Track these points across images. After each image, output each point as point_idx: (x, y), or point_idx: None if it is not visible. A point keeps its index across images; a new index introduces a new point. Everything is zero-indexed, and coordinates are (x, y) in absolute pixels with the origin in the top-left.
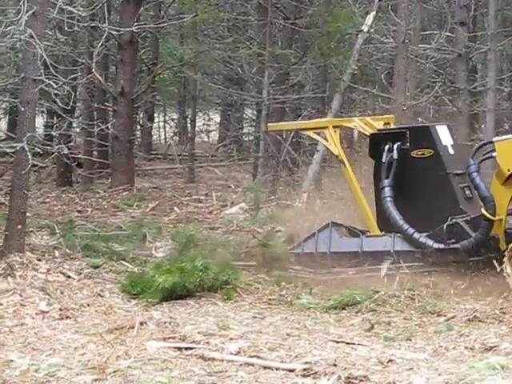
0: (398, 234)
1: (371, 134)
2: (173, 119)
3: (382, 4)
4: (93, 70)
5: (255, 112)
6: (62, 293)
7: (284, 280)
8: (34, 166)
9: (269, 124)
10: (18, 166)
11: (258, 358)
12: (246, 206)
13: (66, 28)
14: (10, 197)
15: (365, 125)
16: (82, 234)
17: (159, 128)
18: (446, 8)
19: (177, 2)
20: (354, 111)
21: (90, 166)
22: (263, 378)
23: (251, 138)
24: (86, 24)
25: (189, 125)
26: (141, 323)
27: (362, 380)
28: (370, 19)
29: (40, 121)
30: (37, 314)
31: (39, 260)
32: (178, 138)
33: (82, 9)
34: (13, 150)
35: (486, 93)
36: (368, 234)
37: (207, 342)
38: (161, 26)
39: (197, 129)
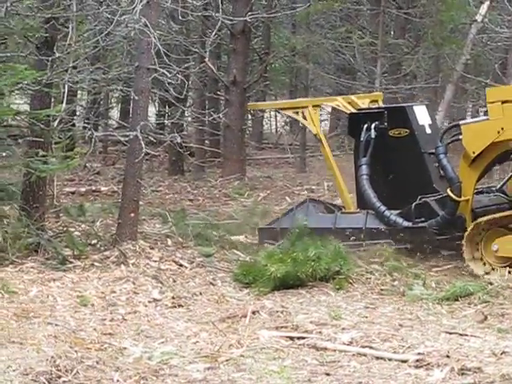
0: (371, 212)
1: (350, 113)
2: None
3: None
4: (205, 59)
5: None
6: (174, 281)
7: (396, 270)
8: (147, 154)
9: (248, 104)
10: (131, 154)
11: (371, 348)
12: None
13: (179, 17)
14: (123, 185)
15: (348, 104)
16: (193, 223)
17: (270, 117)
18: None
19: None
20: (466, 101)
21: (201, 155)
22: (376, 369)
23: None
24: (199, 13)
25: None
26: (253, 312)
27: (475, 372)
28: (483, 9)
29: (152, 110)
30: (149, 302)
31: (152, 248)
32: (288, 127)
33: None
34: (126, 139)
35: None
36: (343, 210)
37: (319, 332)
38: (273, 15)
39: None
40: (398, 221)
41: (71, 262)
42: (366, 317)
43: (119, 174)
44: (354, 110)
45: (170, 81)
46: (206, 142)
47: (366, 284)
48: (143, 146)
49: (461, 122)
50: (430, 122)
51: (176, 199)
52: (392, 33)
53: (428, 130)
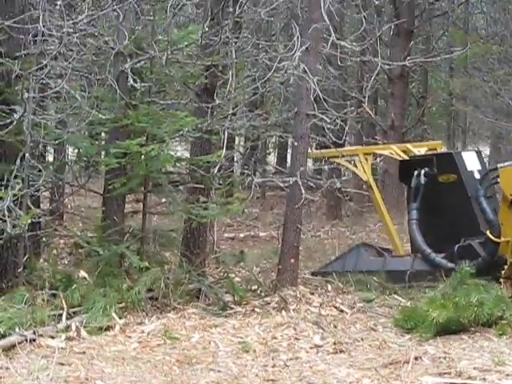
0: (418, 255)
1: (401, 161)
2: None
3: None
4: (363, 103)
5: None
6: (335, 327)
7: None
8: (305, 199)
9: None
10: (291, 200)
11: None
12: None
13: (337, 62)
14: (283, 230)
15: (402, 152)
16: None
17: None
18: None
19: (447, 35)
20: None
21: (359, 200)
22: None
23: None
24: (357, 58)
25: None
26: (415, 358)
27: None
28: None
29: None
30: (311, 347)
31: (312, 294)
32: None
33: (353, 43)
34: (285, 184)
35: None
36: (393, 254)
37: (483, 379)
38: (431, 59)
39: None
40: (442, 263)
41: (232, 308)
42: None
43: (277, 219)
44: (405, 158)
45: (328, 126)
46: (364, 186)
47: None
48: (303, 191)
49: (499, 165)
50: (480, 168)
51: (335, 244)
52: None
53: (477, 176)
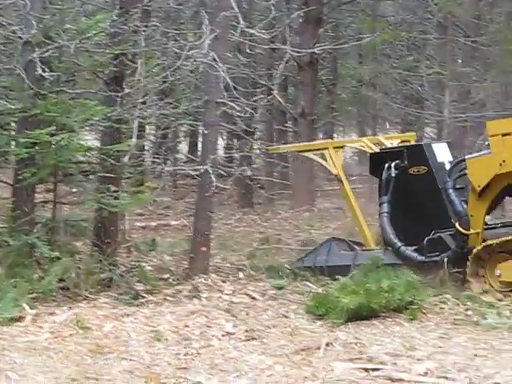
0: (389, 248)
1: (371, 154)
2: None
3: None
4: (273, 91)
5: (435, 130)
6: (247, 314)
7: (470, 299)
8: (217, 187)
9: (269, 147)
10: (201, 188)
11: (446, 378)
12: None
13: (246, 50)
14: (194, 219)
15: (375, 144)
16: (264, 255)
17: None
18: None
19: (356, 22)
20: None
21: (270, 187)
22: None
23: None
24: (266, 46)
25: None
26: (327, 344)
27: None
28: None
29: (221, 143)
30: (223, 335)
31: (224, 281)
32: (357, 157)
33: (263, 31)
34: (196, 173)
35: None
36: (363, 248)
37: (394, 363)
38: (340, 46)
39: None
40: (412, 256)
41: (144, 297)
42: (441, 347)
43: (189, 207)
44: (376, 150)
45: (238, 114)
46: (275, 174)
47: (440, 314)
48: (214, 179)
49: (466, 157)
50: (451, 159)
51: (247, 232)
52: (459, 61)
53: (448, 167)
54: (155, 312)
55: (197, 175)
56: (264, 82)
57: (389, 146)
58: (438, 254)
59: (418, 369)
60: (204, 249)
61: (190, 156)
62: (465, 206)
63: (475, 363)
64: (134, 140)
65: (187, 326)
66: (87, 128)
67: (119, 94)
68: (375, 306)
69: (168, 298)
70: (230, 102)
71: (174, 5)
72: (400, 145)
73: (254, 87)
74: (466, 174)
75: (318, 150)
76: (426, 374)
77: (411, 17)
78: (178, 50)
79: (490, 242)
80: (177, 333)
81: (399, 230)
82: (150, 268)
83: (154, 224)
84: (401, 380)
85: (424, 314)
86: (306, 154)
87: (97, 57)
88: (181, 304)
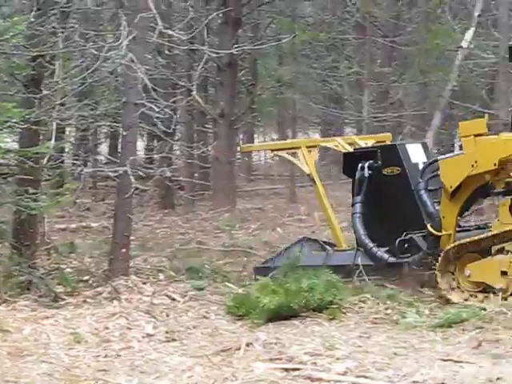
0: (360, 249)
1: (344, 153)
2: (273, 139)
3: (481, 19)
4: (193, 92)
5: (355, 130)
6: (167, 315)
7: (390, 298)
8: (137, 189)
9: (241, 145)
10: (121, 189)
11: (366, 377)
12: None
13: (165, 51)
14: (113, 220)
15: (349, 144)
16: (185, 256)
17: None
18: None
19: (275, 22)
20: (454, 128)
21: (191, 189)
22: None
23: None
24: (185, 47)
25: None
26: (247, 344)
27: None
28: (469, 35)
29: (141, 144)
30: (143, 337)
31: (144, 283)
32: (278, 158)
33: (181, 32)
34: (115, 174)
35: None
36: (335, 248)
37: (314, 363)
38: (259, 47)
39: None
40: (383, 257)
41: (64, 299)
42: (360, 346)
43: (109, 209)
44: (350, 150)
45: (157, 115)
46: (196, 175)
47: (360, 313)
48: (132, 181)
49: (439, 158)
50: (426, 160)
51: (167, 233)
52: (378, 61)
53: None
54: (75, 314)
55: (116, 177)
56: (183, 84)
57: (363, 145)
58: (409, 255)
59: (337, 368)
60: (124, 250)
61: (110, 157)
62: (437, 207)
63: (395, 362)
64: (52, 142)
65: (107, 328)
66: (6, 130)
67: (37, 96)
68: (295, 305)
69: (88, 300)
70: (148, 104)
71: (92, 6)
72: (374, 145)
73: (173, 88)
74: (438, 175)
75: (291, 148)
76: (345, 373)
77: (330, 17)
78: (96, 52)
79: (458, 242)
80: (97, 335)
81: (372, 230)
82: (69, 270)
83: (74, 226)
84: (320, 379)
85: (344, 313)
86: (279, 153)
87: (14, 59)
88: (101, 306)
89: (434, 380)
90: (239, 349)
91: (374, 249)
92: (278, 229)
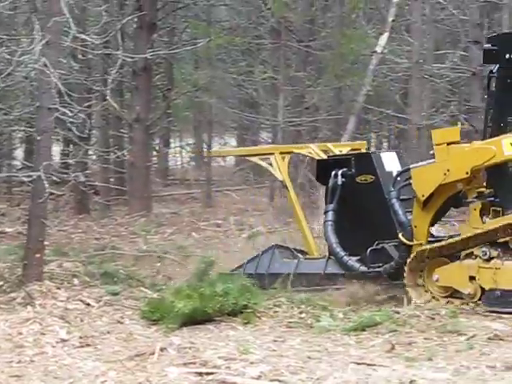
0: (332, 257)
1: (318, 160)
2: (189, 144)
3: (395, 25)
4: (108, 97)
5: (271, 135)
6: (81, 320)
7: (305, 303)
8: (51, 194)
9: (210, 150)
10: (35, 194)
11: (280, 381)
12: (263, 229)
13: (80, 56)
14: (27, 226)
15: (324, 151)
16: (100, 262)
17: (175, 153)
18: (460, 27)
19: (190, 27)
20: (369, 132)
21: (107, 193)
22: None
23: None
24: (99, 52)
25: (205, 149)
26: (161, 349)
27: None
28: (383, 40)
29: (56, 149)
30: (57, 342)
31: (58, 288)
32: (194, 163)
33: (95, 37)
34: (30, 179)
35: None
36: (306, 256)
37: (228, 367)
38: (174, 51)
39: None
40: (354, 266)
41: None
42: (275, 350)
43: (25, 214)
44: (323, 157)
45: (72, 120)
46: (111, 179)
47: (274, 317)
48: (46, 186)
49: (411, 166)
50: (400, 169)
51: (82, 238)
52: (293, 66)
53: None
54: None
55: (30, 182)
56: (98, 88)
57: (337, 153)
58: (380, 264)
59: (251, 372)
60: (38, 255)
61: (25, 162)
62: (409, 216)
63: (308, 366)
64: None
65: (21, 334)
66: None
67: None
68: (210, 310)
69: (1, 305)
70: (62, 108)
71: (5, 10)
72: (348, 152)
73: (88, 93)
74: (410, 184)
75: (264, 155)
76: (259, 377)
77: (245, 22)
78: (9, 56)
79: (424, 247)
80: (10, 340)
81: (344, 239)
82: None
83: None
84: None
85: (259, 317)
86: (252, 159)
87: None
88: (14, 312)
89: (347, 383)
90: (153, 353)
91: (346, 257)
92: (194, 233)
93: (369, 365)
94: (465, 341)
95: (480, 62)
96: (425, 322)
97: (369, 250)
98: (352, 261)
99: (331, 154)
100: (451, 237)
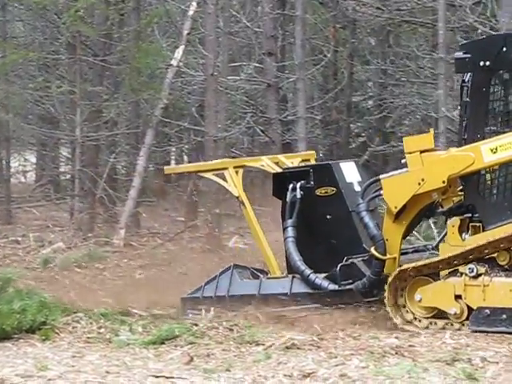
0: (297, 276)
1: (274, 174)
2: None
3: (191, 37)
4: None
5: (70, 150)
6: None
7: (104, 317)
8: None
9: (165, 167)
10: None
11: None
12: (63, 245)
13: None
14: None
15: (275, 164)
16: None
17: None
18: (254, 39)
19: None
20: (168, 145)
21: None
22: None
23: (68, 176)
24: None
25: (3, 166)
26: None
27: None
28: (178, 53)
29: None
30: None
31: None
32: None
33: None
34: None
35: (297, 121)
36: (269, 275)
37: None
38: None
39: (12, 170)
40: (323, 284)
41: None
42: (73, 366)
43: None
44: (279, 170)
45: None
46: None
47: (73, 333)
48: None
49: (381, 176)
50: (360, 179)
51: None
52: (90, 80)
53: (357, 188)
54: None
55: None
56: None
57: (290, 165)
58: (351, 281)
59: None
60: None
61: None
62: (379, 229)
63: (107, 381)
64: None
65: None
66: None
67: None
68: (7, 327)
69: None
70: None
71: None
72: (306, 164)
73: None
74: (380, 195)
75: (218, 170)
76: None
77: (41, 37)
78: None
79: (405, 267)
80: None
81: (305, 255)
82: None
83: None
84: None
85: (57, 333)
86: (206, 175)
87: None
88: None
89: None
90: None
91: (312, 276)
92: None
93: (167, 377)
94: (262, 350)
95: (274, 74)
96: (223, 333)
97: (338, 266)
98: (319, 279)
99: (285, 166)
100: (415, 250)
